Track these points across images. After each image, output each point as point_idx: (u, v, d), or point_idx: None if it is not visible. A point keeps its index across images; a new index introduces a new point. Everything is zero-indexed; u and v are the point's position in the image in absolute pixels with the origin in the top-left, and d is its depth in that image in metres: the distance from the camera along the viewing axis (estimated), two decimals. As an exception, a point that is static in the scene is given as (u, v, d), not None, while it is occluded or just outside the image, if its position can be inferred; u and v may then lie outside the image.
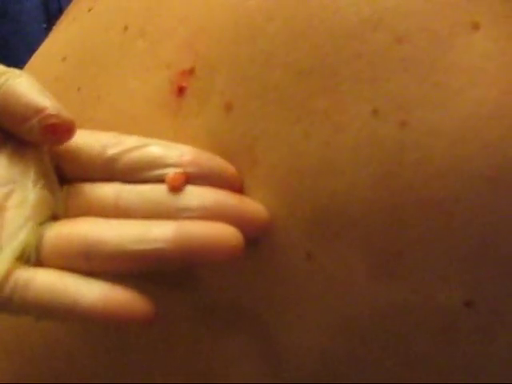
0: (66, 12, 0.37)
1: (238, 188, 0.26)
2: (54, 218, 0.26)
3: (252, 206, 0.25)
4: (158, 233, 0.24)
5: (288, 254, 0.25)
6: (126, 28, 0.30)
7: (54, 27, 0.37)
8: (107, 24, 0.31)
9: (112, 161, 0.26)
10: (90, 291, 0.24)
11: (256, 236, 0.25)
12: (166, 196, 0.25)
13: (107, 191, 0.26)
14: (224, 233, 0.24)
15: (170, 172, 0.25)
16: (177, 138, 0.27)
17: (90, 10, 0.33)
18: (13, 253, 0.25)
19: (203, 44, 0.27)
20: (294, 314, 0.26)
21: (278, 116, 0.25)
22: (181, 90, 0.27)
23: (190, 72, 0.27)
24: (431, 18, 0.24)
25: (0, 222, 0.25)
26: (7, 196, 0.26)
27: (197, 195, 0.25)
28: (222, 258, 0.24)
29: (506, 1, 0.24)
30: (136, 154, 0.26)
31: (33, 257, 0.25)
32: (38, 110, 0.25)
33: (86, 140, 0.27)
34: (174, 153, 0.26)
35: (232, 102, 0.26)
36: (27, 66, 0.37)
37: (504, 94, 0.23)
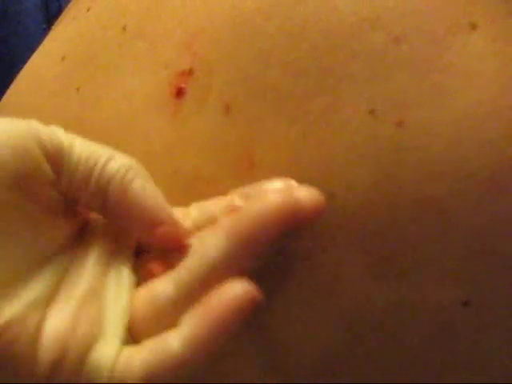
0: (64, 12, 0.37)
1: None
2: None
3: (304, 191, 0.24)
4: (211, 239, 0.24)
5: (288, 253, 0.25)
6: (124, 28, 0.30)
7: (53, 27, 0.37)
8: (106, 24, 0.31)
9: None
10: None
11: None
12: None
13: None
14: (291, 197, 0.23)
15: None
16: (176, 139, 0.27)
17: (88, 10, 0.33)
18: (120, 336, 0.24)
19: (201, 45, 0.27)
20: (294, 312, 0.26)
21: (276, 117, 0.25)
22: (180, 91, 0.27)
23: (189, 73, 0.27)
24: (428, 19, 0.24)
25: (101, 303, 0.25)
26: (105, 274, 0.25)
27: None
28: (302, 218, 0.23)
29: (503, 2, 0.24)
30: None
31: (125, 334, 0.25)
32: (156, 223, 0.25)
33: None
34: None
35: (230, 103, 0.26)
36: (27, 65, 0.37)
37: (500, 95, 0.23)
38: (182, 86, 0.27)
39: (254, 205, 0.23)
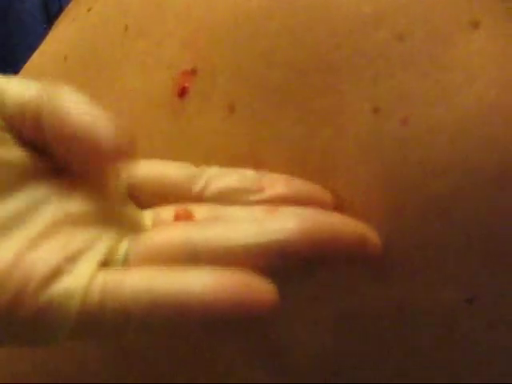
0: (65, 12, 0.37)
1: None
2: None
3: (352, 223, 0.23)
4: (278, 224, 0.21)
5: None
6: (126, 28, 0.30)
7: (54, 27, 0.37)
8: (107, 24, 0.31)
9: (199, 193, 0.24)
10: (200, 277, 0.20)
11: None
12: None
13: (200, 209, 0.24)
14: (350, 223, 0.22)
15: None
16: (179, 139, 0.27)
17: (89, 10, 0.33)
18: (96, 257, 0.21)
19: (204, 44, 0.27)
20: (294, 312, 0.26)
21: (281, 116, 0.25)
22: (183, 91, 0.27)
23: (192, 72, 0.27)
24: (431, 16, 0.24)
25: (66, 235, 0.22)
26: (85, 213, 0.23)
27: (293, 214, 0.22)
28: (350, 249, 0.22)
29: (506, 0, 0.24)
30: (221, 184, 0.24)
31: (120, 264, 0.22)
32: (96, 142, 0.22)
33: (168, 172, 0.25)
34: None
35: (234, 102, 0.26)
36: (27, 64, 0.37)
37: (503, 92, 0.23)
38: (185, 85, 0.27)
39: (342, 220, 0.22)
